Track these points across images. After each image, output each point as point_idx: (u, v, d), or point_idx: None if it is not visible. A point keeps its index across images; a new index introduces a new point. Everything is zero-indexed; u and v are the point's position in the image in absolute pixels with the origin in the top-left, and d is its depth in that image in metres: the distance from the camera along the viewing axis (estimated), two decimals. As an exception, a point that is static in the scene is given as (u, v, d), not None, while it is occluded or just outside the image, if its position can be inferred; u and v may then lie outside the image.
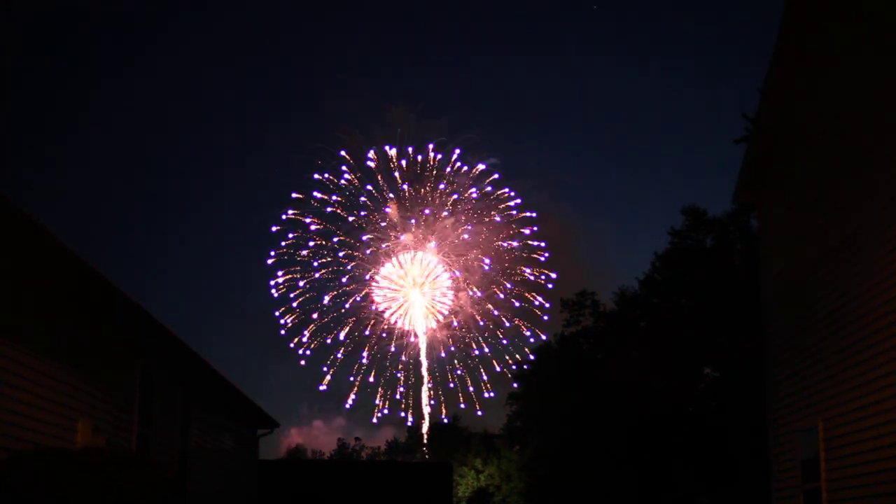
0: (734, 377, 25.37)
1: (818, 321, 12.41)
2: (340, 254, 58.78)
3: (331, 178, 58.08)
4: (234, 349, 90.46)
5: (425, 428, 59.62)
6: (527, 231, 58.80)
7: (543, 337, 50.99)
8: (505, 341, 58.48)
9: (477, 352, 59.35)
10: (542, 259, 58.52)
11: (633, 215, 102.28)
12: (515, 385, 46.09)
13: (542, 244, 58.74)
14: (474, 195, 58.75)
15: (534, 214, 59.21)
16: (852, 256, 11.38)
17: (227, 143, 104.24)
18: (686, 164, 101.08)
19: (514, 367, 52.94)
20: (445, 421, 58.45)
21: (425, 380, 60.34)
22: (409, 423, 61.72)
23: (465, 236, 58.70)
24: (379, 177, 58.43)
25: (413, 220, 58.99)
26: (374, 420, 60.15)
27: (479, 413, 59.00)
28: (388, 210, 58.72)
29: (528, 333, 57.58)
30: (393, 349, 60.26)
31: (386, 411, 59.79)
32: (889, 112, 10.59)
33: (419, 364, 60.74)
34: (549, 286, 57.95)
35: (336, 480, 32.16)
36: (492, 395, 58.21)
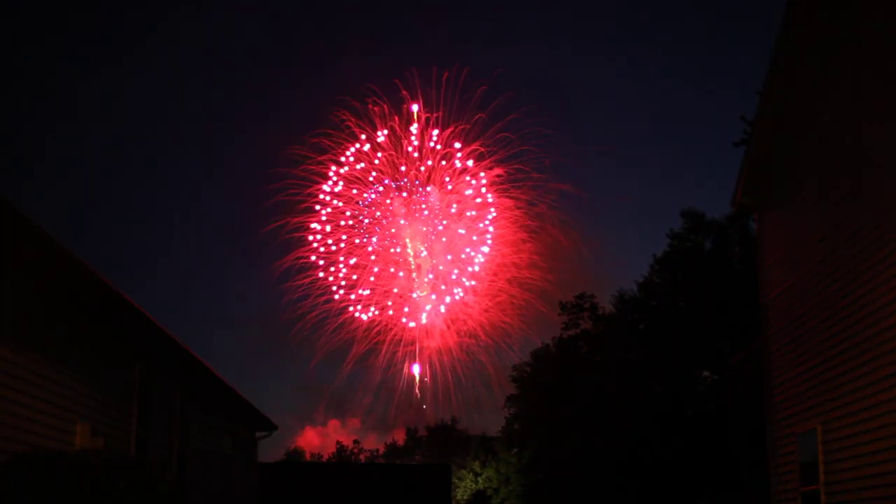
0: (733, 380, 25.36)
1: (817, 324, 12.41)
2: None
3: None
4: (240, 350, 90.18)
5: (424, 430, 59.68)
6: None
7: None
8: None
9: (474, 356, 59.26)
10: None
11: (631, 218, 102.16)
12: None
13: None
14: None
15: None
16: (850, 260, 11.39)
17: (227, 141, 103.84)
18: (685, 167, 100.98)
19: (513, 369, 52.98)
20: (444, 421, 58.48)
21: (417, 379, 60.27)
22: (409, 426, 61.81)
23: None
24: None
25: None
26: (380, 423, 60.17)
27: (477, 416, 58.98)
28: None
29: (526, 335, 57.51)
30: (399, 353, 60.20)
31: (391, 414, 59.71)
32: (888, 114, 10.60)
33: (417, 364, 60.74)
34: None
35: (335, 483, 32.09)
36: (491, 397, 58.13)
